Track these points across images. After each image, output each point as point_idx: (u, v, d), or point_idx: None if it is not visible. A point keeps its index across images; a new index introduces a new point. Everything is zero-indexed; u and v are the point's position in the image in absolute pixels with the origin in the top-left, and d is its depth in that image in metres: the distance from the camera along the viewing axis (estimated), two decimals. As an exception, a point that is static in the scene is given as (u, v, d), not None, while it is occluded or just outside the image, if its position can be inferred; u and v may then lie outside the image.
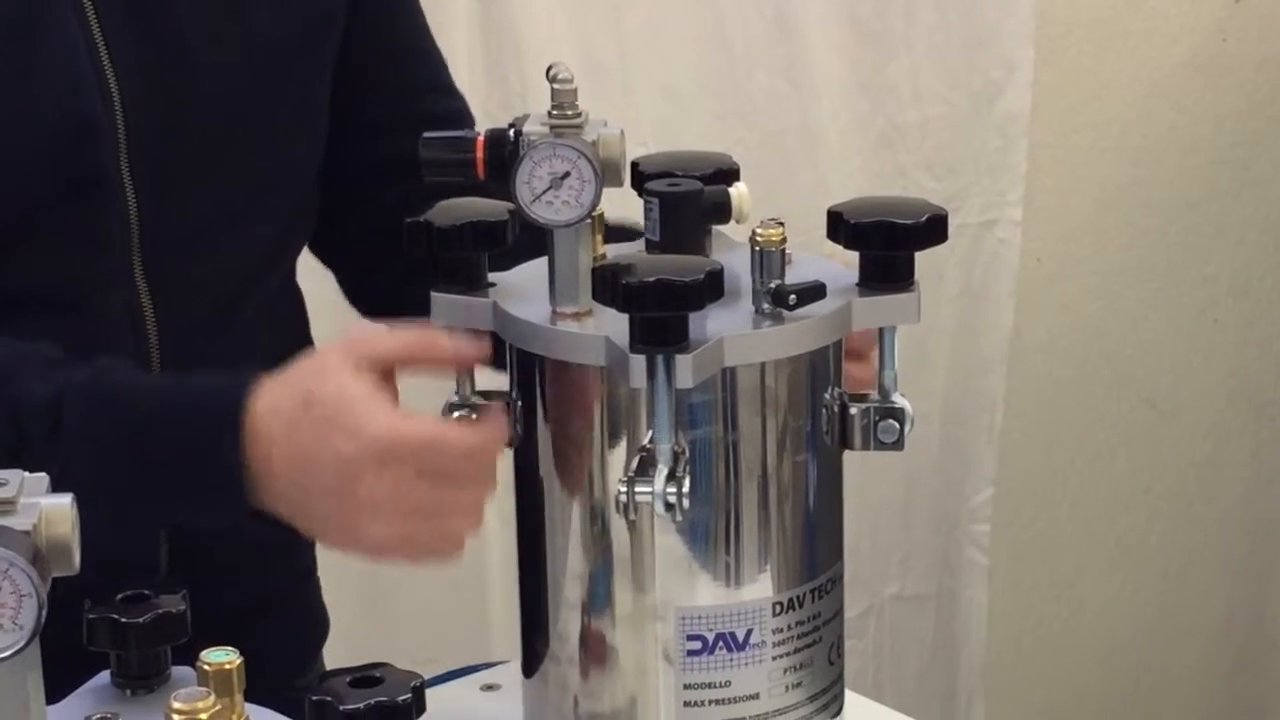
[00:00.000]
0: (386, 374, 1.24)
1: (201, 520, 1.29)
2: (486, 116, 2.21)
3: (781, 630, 1.23)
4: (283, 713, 1.07)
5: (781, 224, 1.20)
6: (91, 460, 1.23)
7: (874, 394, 1.25)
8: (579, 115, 1.22)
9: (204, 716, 0.99)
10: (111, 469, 1.24)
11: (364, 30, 1.50)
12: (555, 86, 1.22)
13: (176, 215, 1.39)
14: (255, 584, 1.48)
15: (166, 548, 1.43)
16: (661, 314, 1.13)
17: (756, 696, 1.23)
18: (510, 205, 1.22)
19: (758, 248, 1.20)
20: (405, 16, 1.56)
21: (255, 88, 1.41)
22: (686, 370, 1.14)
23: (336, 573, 2.05)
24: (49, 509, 0.99)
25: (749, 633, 1.22)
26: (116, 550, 1.28)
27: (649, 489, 1.15)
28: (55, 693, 1.08)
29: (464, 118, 1.58)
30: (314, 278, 1.59)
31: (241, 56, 1.40)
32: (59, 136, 1.34)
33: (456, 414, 1.26)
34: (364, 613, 2.25)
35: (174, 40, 1.38)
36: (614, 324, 1.16)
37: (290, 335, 1.53)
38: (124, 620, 1.10)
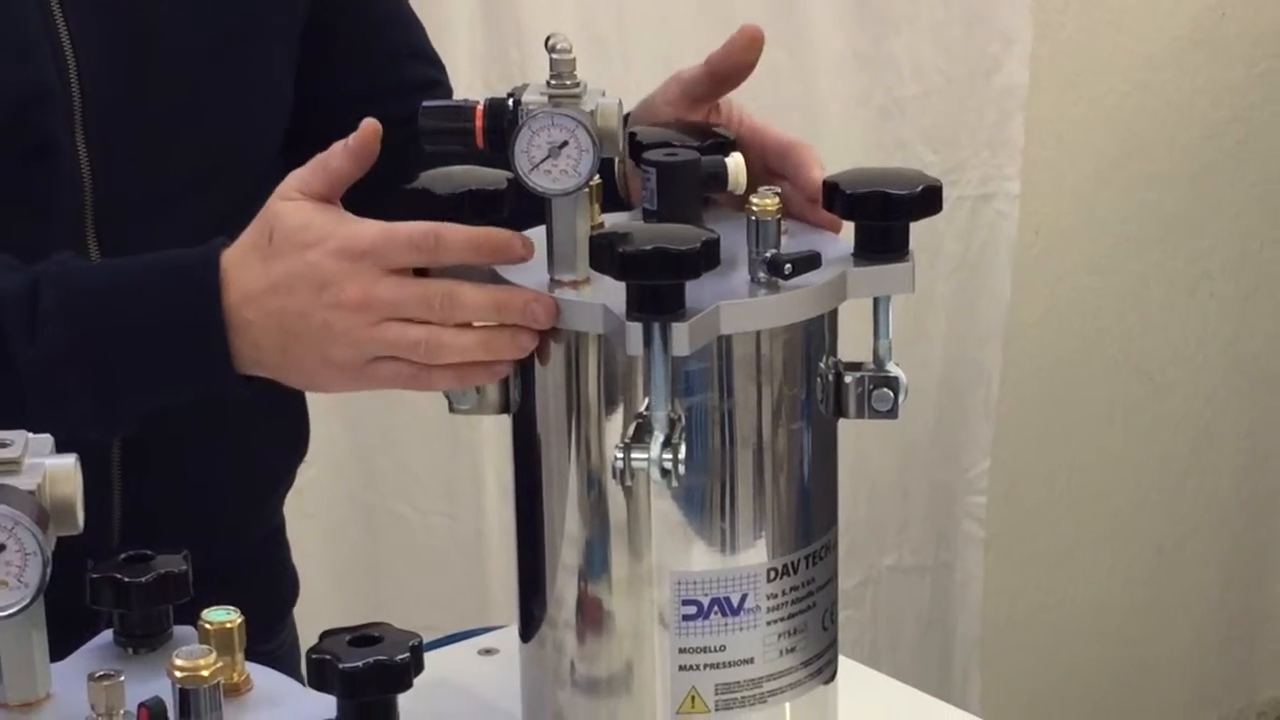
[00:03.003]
0: (333, 199, 1.24)
1: (188, 389, 1.27)
2: (486, 87, 2.22)
3: (776, 595, 1.24)
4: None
5: (778, 194, 1.21)
6: (73, 337, 1.23)
7: (869, 363, 1.26)
8: (577, 85, 1.22)
9: (206, 674, 1.00)
10: (93, 342, 1.24)
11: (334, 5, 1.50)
12: (554, 56, 1.23)
13: (130, 184, 1.38)
14: (212, 548, 1.47)
15: (119, 515, 1.42)
16: (658, 282, 1.14)
17: (751, 661, 1.24)
18: (506, 173, 1.23)
19: (754, 217, 1.21)
20: None
21: (215, 57, 1.40)
22: (683, 338, 1.15)
23: (335, 538, 2.06)
24: (54, 469, 1.00)
25: (744, 598, 1.23)
26: (102, 432, 1.30)
27: (645, 455, 1.16)
28: (59, 651, 1.09)
29: (442, 86, 1.59)
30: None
31: (201, 25, 1.39)
32: (12, 101, 1.33)
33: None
34: (363, 578, 2.27)
35: (131, 8, 1.37)
36: (611, 292, 1.17)
37: None
38: (126, 580, 1.11)
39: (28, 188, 1.34)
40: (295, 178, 1.24)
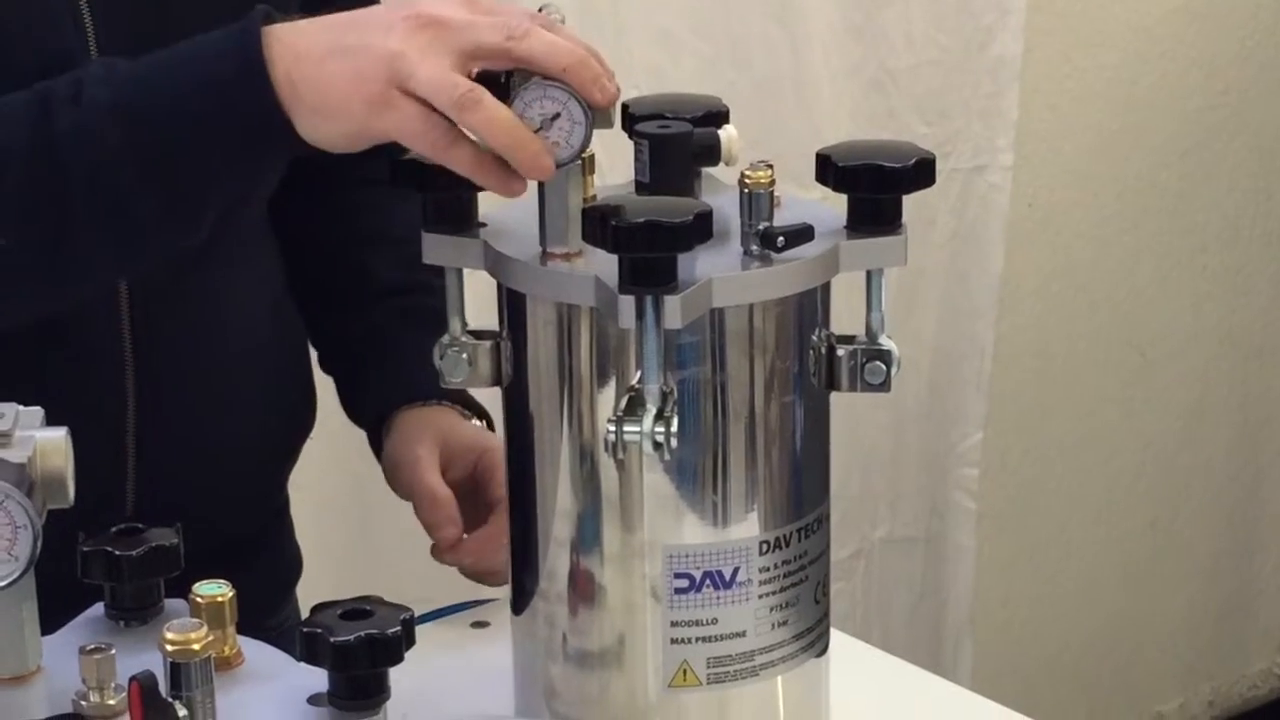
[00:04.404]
0: None
1: (248, 163, 1.26)
2: (479, 59, 2.21)
3: (768, 569, 1.24)
4: (256, 653, 1.09)
5: (770, 166, 1.21)
6: (123, 118, 1.22)
7: (861, 336, 1.26)
8: (570, 56, 1.22)
9: (197, 647, 1.00)
10: (135, 114, 1.22)
11: None
12: (546, 28, 1.22)
13: None
14: (225, 524, 1.47)
15: (134, 484, 1.42)
16: (650, 255, 1.14)
17: (743, 634, 1.24)
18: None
19: (746, 190, 1.21)
20: None
21: (230, 19, 1.40)
22: (675, 311, 1.14)
23: (327, 510, 2.06)
24: (44, 442, 1.00)
25: (736, 571, 1.23)
26: (169, 228, 1.27)
27: (637, 429, 1.16)
28: (50, 624, 1.09)
29: None
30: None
31: None
32: (32, 72, 1.31)
33: (448, 351, 1.27)
34: (355, 550, 2.26)
35: None
36: (604, 264, 1.17)
37: (264, 275, 1.52)
38: (117, 553, 1.11)
39: None
40: None
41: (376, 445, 1.57)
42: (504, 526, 1.43)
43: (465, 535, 1.49)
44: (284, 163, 1.32)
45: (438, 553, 1.49)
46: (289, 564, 1.63)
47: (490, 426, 1.56)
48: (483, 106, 1.18)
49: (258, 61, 1.20)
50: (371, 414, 1.58)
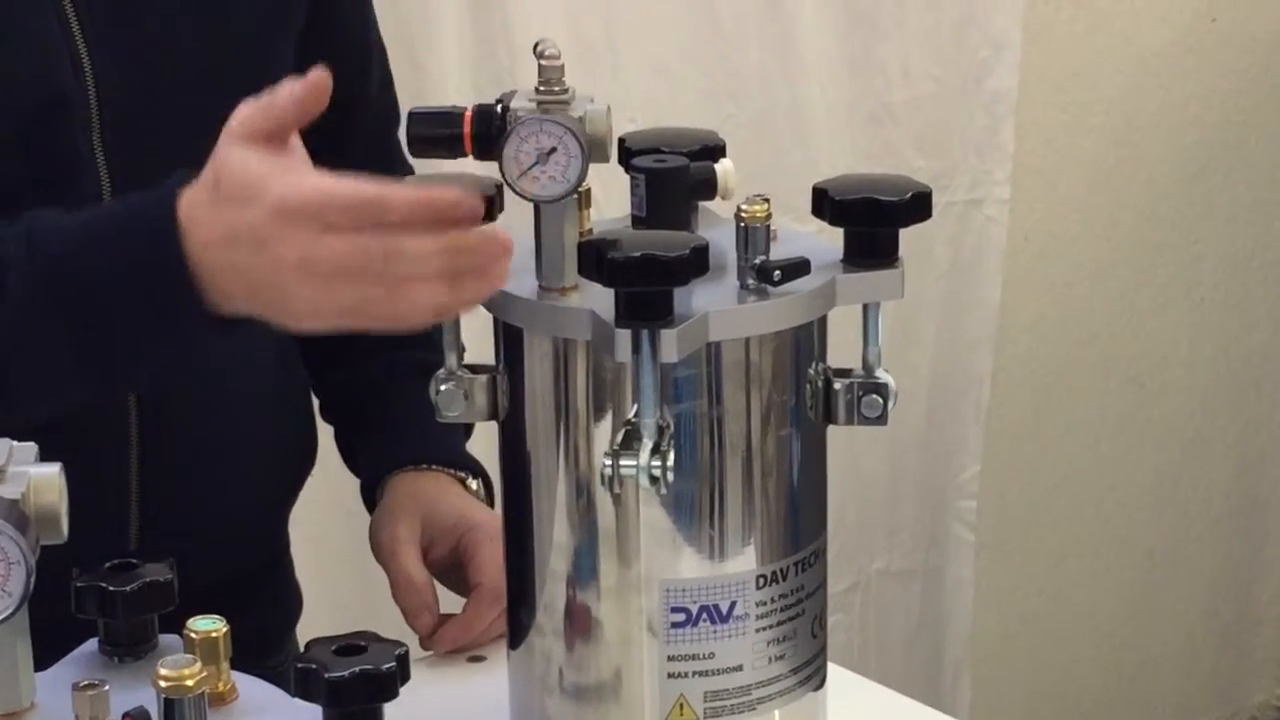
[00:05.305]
0: (280, 140, 1.20)
1: (167, 336, 1.25)
2: (476, 92, 2.22)
3: (765, 603, 1.24)
4: (257, 691, 1.08)
5: (767, 200, 1.21)
6: (44, 295, 1.22)
7: (858, 369, 1.26)
8: (566, 91, 1.22)
9: (191, 684, 1.00)
10: (63, 295, 1.22)
11: (325, 19, 1.49)
12: (542, 63, 1.22)
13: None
14: (226, 563, 1.47)
15: (137, 524, 1.42)
16: (647, 289, 1.14)
17: (740, 668, 1.24)
18: (496, 179, 1.23)
19: (743, 223, 1.21)
20: (361, 5, 1.56)
21: (227, 63, 1.40)
22: (671, 345, 1.14)
23: (324, 543, 2.05)
24: (37, 478, 1.00)
25: (732, 605, 1.23)
26: (91, 394, 1.28)
27: (634, 463, 1.16)
28: (43, 660, 1.09)
29: (398, 109, 1.59)
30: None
31: (214, 30, 1.39)
32: (30, 111, 1.33)
33: (444, 386, 1.27)
34: (351, 583, 2.26)
35: (146, 13, 1.37)
36: (600, 299, 1.17)
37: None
38: (111, 588, 1.11)
39: (46, 198, 1.33)
40: (242, 114, 1.20)
41: (369, 500, 1.57)
42: (481, 611, 1.44)
43: (444, 617, 1.49)
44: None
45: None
46: (289, 603, 1.63)
47: (488, 485, 1.56)
48: (405, 256, 1.16)
49: (181, 279, 1.20)
50: (365, 475, 1.59)
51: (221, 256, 1.19)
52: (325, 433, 1.63)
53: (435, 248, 1.16)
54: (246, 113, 1.20)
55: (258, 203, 1.17)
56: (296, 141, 1.21)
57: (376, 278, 1.16)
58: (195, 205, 1.21)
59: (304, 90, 1.20)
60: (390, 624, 1.42)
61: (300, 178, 1.18)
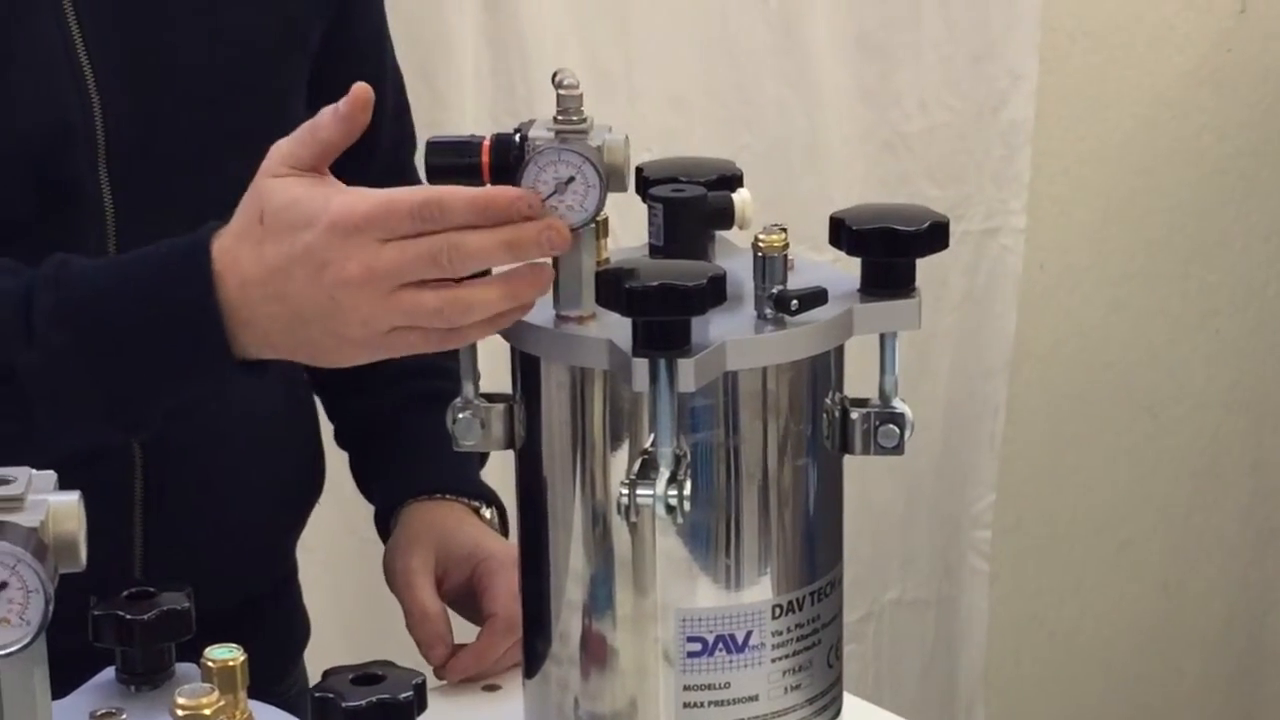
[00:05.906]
0: (322, 169, 1.20)
1: (193, 383, 1.25)
2: (493, 121, 2.22)
3: (781, 633, 1.24)
4: (264, 719, 1.08)
5: (784, 229, 1.21)
6: (69, 338, 1.21)
7: (875, 399, 1.26)
8: (584, 120, 1.22)
9: (208, 712, 1.00)
10: (90, 342, 1.22)
11: (340, 44, 1.49)
12: (560, 92, 1.23)
13: (153, 223, 1.34)
14: (231, 590, 1.47)
15: (140, 551, 1.42)
16: (664, 318, 1.14)
17: (756, 698, 1.24)
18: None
19: (760, 253, 1.21)
20: (378, 32, 1.56)
21: (234, 91, 1.40)
22: (689, 374, 1.14)
23: (337, 570, 2.05)
24: (56, 506, 1.00)
25: (749, 635, 1.23)
26: (114, 436, 1.28)
27: (650, 492, 1.16)
28: (61, 689, 1.08)
29: (414, 136, 1.60)
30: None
31: (221, 59, 1.39)
32: (35, 140, 1.33)
33: (461, 415, 1.27)
34: (367, 612, 2.26)
35: (153, 42, 1.37)
36: (617, 328, 1.17)
37: None
38: (129, 616, 1.11)
39: (52, 228, 1.34)
40: (281, 150, 1.20)
41: (383, 529, 1.57)
42: (495, 641, 1.44)
43: (458, 646, 1.49)
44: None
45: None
46: (297, 629, 1.62)
47: (503, 515, 1.56)
48: (467, 252, 1.17)
49: (214, 327, 1.21)
50: (379, 503, 1.59)
51: (266, 292, 1.19)
52: (338, 459, 1.63)
53: (496, 241, 1.17)
54: (287, 148, 1.20)
55: (314, 225, 1.17)
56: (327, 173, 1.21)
57: (439, 280, 1.17)
58: (234, 245, 1.20)
59: (348, 107, 1.20)
60: (404, 650, 1.42)
61: (353, 195, 1.18)
